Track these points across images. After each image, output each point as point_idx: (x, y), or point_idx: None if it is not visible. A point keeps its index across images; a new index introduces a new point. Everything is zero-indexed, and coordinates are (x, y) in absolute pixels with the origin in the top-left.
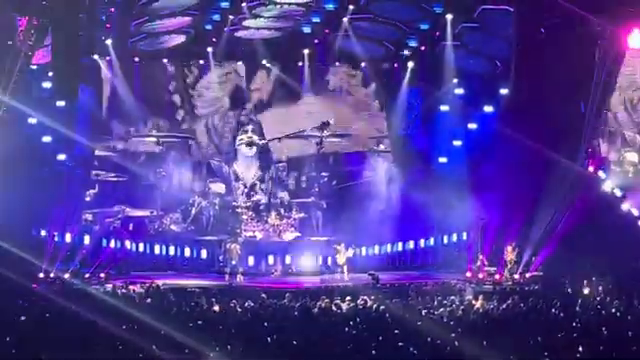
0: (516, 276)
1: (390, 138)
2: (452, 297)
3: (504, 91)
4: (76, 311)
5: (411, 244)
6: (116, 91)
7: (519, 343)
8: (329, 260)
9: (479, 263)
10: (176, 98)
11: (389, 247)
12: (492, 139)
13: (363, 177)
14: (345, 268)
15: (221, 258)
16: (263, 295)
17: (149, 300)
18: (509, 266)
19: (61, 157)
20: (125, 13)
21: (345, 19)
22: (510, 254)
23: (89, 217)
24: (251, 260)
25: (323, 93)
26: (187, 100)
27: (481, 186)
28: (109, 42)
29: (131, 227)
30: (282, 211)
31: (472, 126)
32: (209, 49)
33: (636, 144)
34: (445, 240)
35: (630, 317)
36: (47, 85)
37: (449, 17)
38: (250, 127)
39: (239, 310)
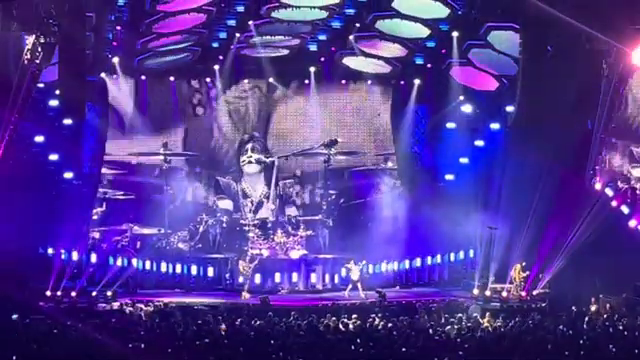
0: (523, 293)
1: (397, 155)
2: (459, 315)
3: (510, 108)
4: (83, 329)
5: (418, 261)
6: (123, 109)
7: None
8: (336, 278)
9: (486, 280)
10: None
11: (396, 265)
12: (499, 156)
13: (370, 195)
14: (359, 285)
15: (228, 276)
16: (270, 313)
17: (156, 318)
18: (516, 283)
19: (68, 175)
20: (132, 31)
21: (351, 37)
22: (519, 273)
23: (96, 235)
24: (258, 278)
25: (330, 110)
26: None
27: (488, 203)
28: (116, 60)
29: (138, 245)
30: (289, 229)
31: (479, 143)
32: (215, 67)
33: None
34: (452, 257)
35: (638, 334)
36: (54, 103)
37: (455, 34)
38: (250, 145)
39: (246, 328)
